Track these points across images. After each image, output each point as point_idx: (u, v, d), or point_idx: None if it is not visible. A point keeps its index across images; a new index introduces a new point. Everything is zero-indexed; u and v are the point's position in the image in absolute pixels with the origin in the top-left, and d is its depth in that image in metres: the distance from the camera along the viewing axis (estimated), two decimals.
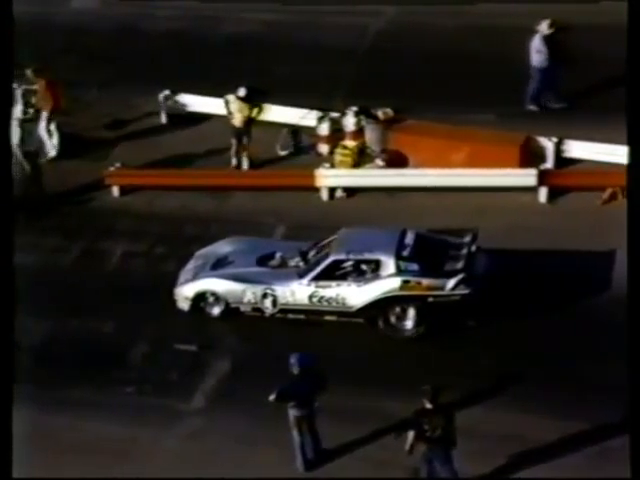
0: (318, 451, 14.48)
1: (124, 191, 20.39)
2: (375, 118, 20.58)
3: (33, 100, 21.01)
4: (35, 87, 21.08)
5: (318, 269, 16.59)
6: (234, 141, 20.50)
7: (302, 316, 16.74)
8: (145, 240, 18.96)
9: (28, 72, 21.07)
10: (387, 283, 16.31)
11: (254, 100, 20.28)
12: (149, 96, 21.98)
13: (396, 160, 20.18)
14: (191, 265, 17.70)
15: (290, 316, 16.76)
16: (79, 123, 21.62)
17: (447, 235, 16.98)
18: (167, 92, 22.04)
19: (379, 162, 20.35)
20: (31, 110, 20.95)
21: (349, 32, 23.57)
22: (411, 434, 13.44)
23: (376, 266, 16.43)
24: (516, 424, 14.82)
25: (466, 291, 16.12)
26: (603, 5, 22.36)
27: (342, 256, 16.58)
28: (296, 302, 16.66)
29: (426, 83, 21.70)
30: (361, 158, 20.49)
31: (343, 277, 16.54)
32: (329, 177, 19.90)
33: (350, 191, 19.89)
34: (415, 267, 16.29)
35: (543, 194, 19.22)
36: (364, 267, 16.51)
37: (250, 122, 20.38)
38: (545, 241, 17.79)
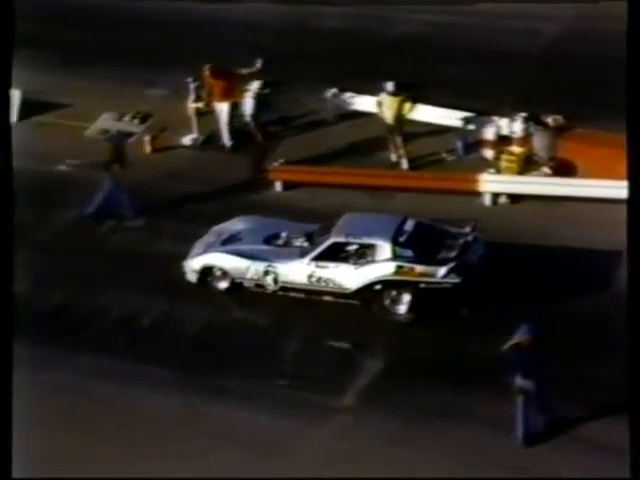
0: (542, 424, 14.15)
1: (286, 186, 20.54)
2: (544, 125, 20.17)
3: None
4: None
5: (318, 250, 17.00)
6: (389, 138, 20.50)
7: (302, 295, 17.10)
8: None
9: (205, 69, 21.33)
10: (382, 267, 16.60)
11: (405, 95, 20.15)
12: (316, 94, 22.10)
13: (564, 169, 19.71)
14: (204, 239, 18.15)
15: (291, 294, 17.14)
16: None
17: (449, 225, 17.21)
18: (334, 90, 22.12)
19: (546, 170, 19.90)
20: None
21: (522, 36, 23.24)
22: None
23: (373, 250, 16.65)
24: None
25: (457, 280, 16.18)
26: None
27: (342, 239, 16.94)
28: (295, 281, 17.05)
29: (599, 90, 21.19)
30: (527, 165, 20.09)
31: (343, 259, 16.85)
32: (493, 182, 19.58)
33: (514, 198, 19.51)
34: (410, 253, 16.58)
35: None
36: (363, 251, 16.79)
37: (401, 118, 20.22)
38: None
